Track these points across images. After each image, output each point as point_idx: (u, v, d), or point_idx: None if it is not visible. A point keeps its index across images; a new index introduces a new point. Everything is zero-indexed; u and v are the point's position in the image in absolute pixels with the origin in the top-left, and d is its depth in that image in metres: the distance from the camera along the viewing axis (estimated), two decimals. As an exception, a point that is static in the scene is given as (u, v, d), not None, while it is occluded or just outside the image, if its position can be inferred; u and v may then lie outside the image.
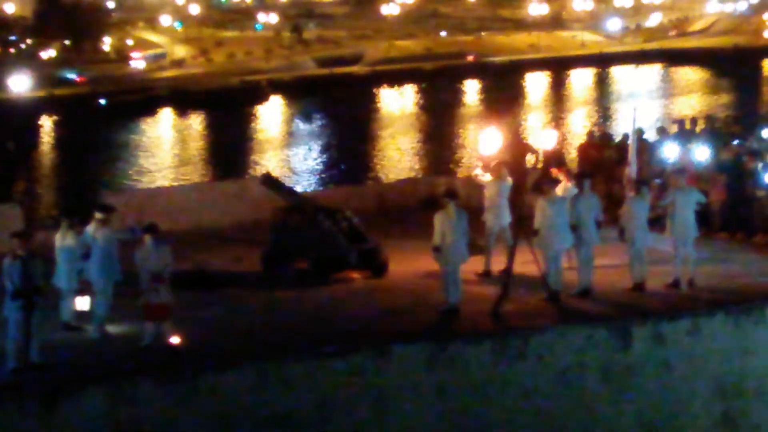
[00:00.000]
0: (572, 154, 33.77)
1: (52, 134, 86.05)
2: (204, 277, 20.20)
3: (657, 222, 20.50)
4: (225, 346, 16.69)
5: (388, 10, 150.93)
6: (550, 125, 75.63)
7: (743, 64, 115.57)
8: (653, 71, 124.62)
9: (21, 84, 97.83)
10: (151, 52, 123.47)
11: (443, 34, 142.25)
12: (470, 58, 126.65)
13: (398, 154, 71.05)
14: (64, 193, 59.31)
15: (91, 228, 17.58)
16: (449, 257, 18.21)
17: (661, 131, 27.93)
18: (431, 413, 16.60)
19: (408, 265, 21.24)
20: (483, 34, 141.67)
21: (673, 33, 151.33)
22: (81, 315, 17.67)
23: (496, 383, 16.88)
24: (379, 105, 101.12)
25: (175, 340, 16.36)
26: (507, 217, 20.60)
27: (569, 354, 17.24)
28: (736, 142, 25.99)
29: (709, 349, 17.95)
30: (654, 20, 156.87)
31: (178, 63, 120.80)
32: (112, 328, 17.52)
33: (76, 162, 68.86)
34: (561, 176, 20.76)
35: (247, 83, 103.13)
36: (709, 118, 30.71)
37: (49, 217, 18.41)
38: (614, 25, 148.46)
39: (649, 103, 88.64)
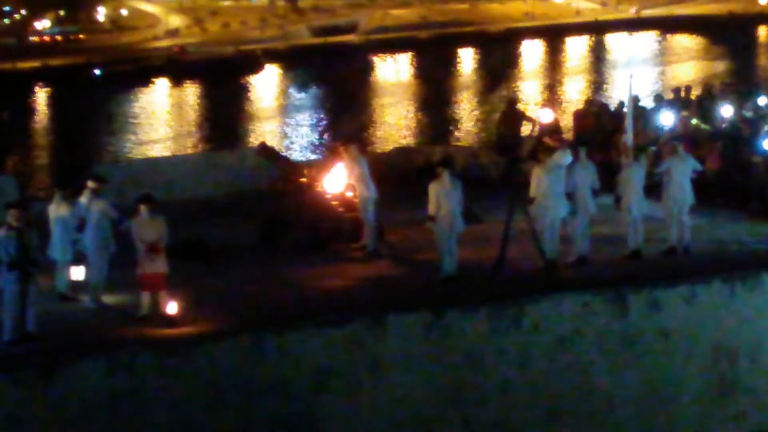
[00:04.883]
0: (569, 122, 33.63)
1: (47, 105, 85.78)
2: (200, 248, 20.16)
3: (653, 189, 20.48)
4: (221, 316, 16.70)
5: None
6: (546, 94, 75.46)
7: (738, 31, 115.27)
8: (648, 38, 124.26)
9: (14, 54, 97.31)
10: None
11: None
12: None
13: (394, 123, 70.90)
14: (59, 165, 59.14)
15: (84, 198, 17.54)
16: (444, 226, 18.19)
17: (658, 98, 27.89)
18: (427, 382, 16.61)
19: (403, 234, 21.20)
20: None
21: None
22: (76, 286, 17.67)
23: (492, 352, 16.89)
24: (374, 73, 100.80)
25: (171, 309, 16.34)
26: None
27: (565, 322, 17.24)
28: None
29: (705, 315, 17.98)
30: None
31: (173, 33, 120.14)
32: (107, 299, 17.53)
33: (71, 133, 68.64)
34: (554, 144, 20.70)
35: (242, 53, 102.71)
36: (705, 86, 30.63)
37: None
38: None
39: (644, 71, 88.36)
